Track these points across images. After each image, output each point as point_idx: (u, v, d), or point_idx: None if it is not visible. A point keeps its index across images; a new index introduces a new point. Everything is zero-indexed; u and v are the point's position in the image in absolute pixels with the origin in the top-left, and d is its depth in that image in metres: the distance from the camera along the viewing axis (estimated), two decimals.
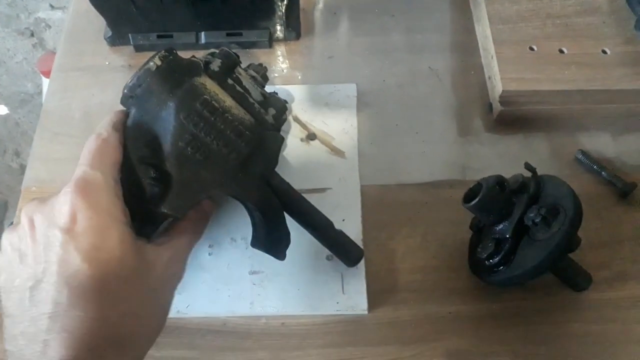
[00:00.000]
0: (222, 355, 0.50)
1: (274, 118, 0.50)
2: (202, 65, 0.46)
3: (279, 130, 0.52)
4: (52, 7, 1.11)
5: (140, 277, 0.37)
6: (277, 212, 0.48)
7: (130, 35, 0.65)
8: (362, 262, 0.52)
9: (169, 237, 0.42)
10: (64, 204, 0.35)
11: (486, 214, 0.48)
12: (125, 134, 0.43)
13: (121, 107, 0.44)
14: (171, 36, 0.65)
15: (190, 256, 0.53)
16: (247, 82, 0.50)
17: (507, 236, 0.47)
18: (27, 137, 1.45)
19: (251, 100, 0.49)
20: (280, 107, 0.52)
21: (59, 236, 0.34)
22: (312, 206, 0.50)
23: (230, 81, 0.48)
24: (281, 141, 0.49)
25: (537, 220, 0.45)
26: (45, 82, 1.06)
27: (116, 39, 0.66)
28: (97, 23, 0.67)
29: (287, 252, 0.49)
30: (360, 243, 0.53)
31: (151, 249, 0.39)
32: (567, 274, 0.49)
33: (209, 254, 0.53)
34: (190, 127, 0.43)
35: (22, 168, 0.58)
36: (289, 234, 0.49)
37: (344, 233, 0.51)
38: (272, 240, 0.47)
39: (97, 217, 0.35)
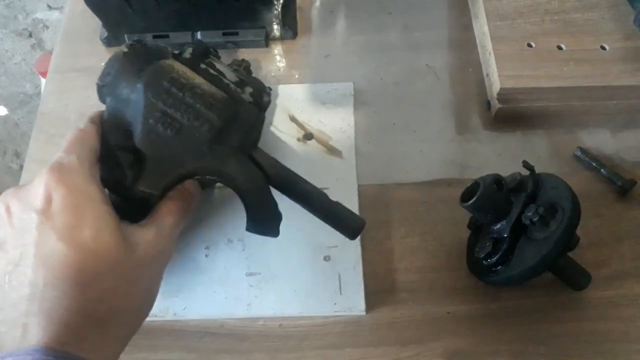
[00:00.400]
0: (219, 357, 0.50)
1: (252, 96, 0.49)
2: (171, 51, 0.46)
3: (260, 109, 0.51)
4: (49, 7, 1.11)
5: (121, 256, 0.36)
6: (260, 186, 0.46)
7: (126, 35, 0.65)
8: (360, 264, 0.52)
9: (152, 218, 0.41)
10: (38, 187, 0.35)
11: (484, 213, 0.47)
12: (103, 125, 0.44)
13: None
14: (167, 36, 0.65)
15: (186, 257, 0.53)
16: (221, 67, 0.49)
17: (505, 235, 0.46)
18: (26, 137, 1.45)
19: (225, 81, 0.48)
20: (258, 86, 0.51)
21: (34, 218, 0.34)
22: (303, 178, 0.48)
23: (203, 66, 0.48)
24: (257, 114, 0.48)
25: (534, 219, 0.44)
26: (44, 82, 1.06)
27: (112, 40, 0.66)
28: (93, 24, 0.66)
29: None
30: (357, 243, 0.53)
31: (133, 229, 0.39)
32: (566, 273, 0.48)
33: (206, 256, 0.53)
34: (159, 104, 0.43)
35: (22, 169, 0.58)
36: (277, 207, 0.47)
37: (340, 204, 0.48)
38: (262, 219, 0.46)
39: (72, 197, 0.35)
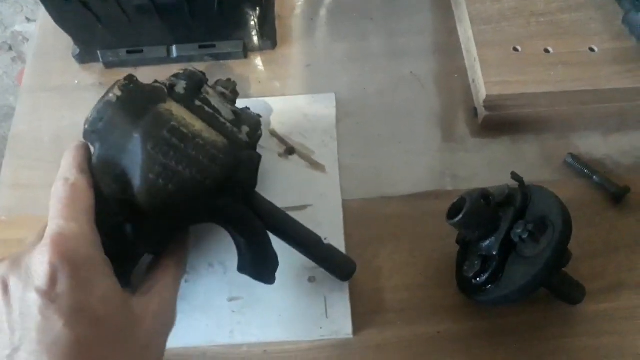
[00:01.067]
0: None
1: (249, 136, 0.48)
2: (165, 89, 0.44)
3: (254, 147, 0.50)
4: (28, 19, 1.08)
5: (128, 334, 0.34)
6: (261, 234, 0.45)
7: (99, 52, 0.63)
8: (346, 285, 0.50)
9: (153, 281, 0.39)
10: (40, 264, 0.32)
11: (471, 230, 0.46)
12: (91, 172, 0.41)
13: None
14: (141, 51, 0.63)
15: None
16: (216, 102, 0.47)
17: (494, 253, 0.44)
18: None
19: (222, 120, 0.47)
20: (254, 123, 0.50)
21: (37, 300, 0.31)
22: (298, 223, 0.48)
23: (197, 102, 0.46)
24: (258, 160, 0.47)
25: (524, 236, 0.43)
26: None
27: (85, 56, 0.64)
28: (65, 40, 0.64)
29: None
30: None
31: (137, 301, 0.36)
32: (559, 288, 0.47)
33: (185, 281, 0.51)
34: (159, 157, 0.41)
35: None
36: (276, 256, 0.46)
37: (333, 246, 0.49)
38: (258, 264, 0.45)
39: (77, 275, 0.33)
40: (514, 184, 0.48)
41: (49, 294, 0.32)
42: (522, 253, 0.44)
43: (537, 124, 0.59)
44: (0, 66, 1.21)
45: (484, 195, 0.45)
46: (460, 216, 0.43)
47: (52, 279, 0.32)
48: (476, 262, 0.45)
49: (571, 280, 0.47)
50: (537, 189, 0.47)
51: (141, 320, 0.36)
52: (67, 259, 0.33)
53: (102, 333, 0.33)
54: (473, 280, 0.46)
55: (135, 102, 0.41)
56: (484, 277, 0.45)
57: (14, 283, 0.33)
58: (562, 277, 0.47)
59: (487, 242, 0.45)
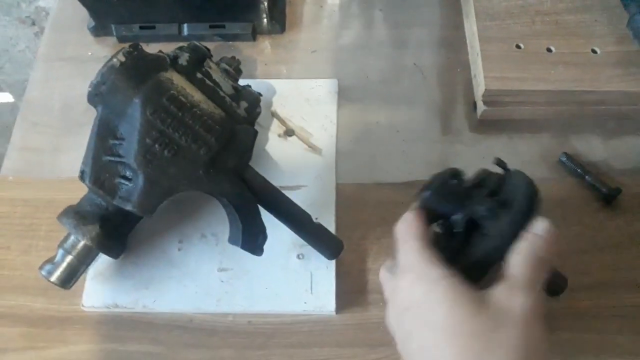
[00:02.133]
0: (187, 351, 0.50)
1: (246, 111, 0.50)
2: (168, 60, 0.45)
3: (252, 123, 0.52)
4: None
5: None
6: (251, 207, 0.47)
7: (113, 26, 0.65)
8: (333, 264, 0.51)
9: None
10: None
11: (440, 208, 0.43)
12: (96, 131, 0.43)
13: None
14: (154, 27, 0.65)
15: (158, 250, 0.53)
16: (217, 76, 0.49)
17: (457, 230, 0.42)
18: None
19: (222, 93, 0.48)
20: (253, 100, 0.51)
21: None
22: (289, 199, 0.49)
23: (199, 75, 0.47)
24: (254, 135, 0.48)
25: (483, 213, 0.40)
26: None
27: (99, 30, 0.66)
28: (82, 13, 0.66)
29: None
30: None
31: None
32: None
33: (178, 250, 0.53)
34: (157, 123, 0.43)
35: (5, 156, 0.58)
36: (264, 228, 0.48)
37: (322, 225, 0.50)
38: (248, 236, 0.47)
39: None
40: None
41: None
42: (485, 231, 0.41)
43: (534, 122, 0.59)
44: (23, 40, 1.25)
45: (454, 173, 0.43)
46: (429, 192, 0.42)
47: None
48: (442, 238, 0.43)
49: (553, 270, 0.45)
50: (515, 172, 0.45)
51: None
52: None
53: None
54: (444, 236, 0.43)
55: (137, 69, 0.43)
56: (446, 253, 0.41)
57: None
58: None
59: (453, 220, 0.43)
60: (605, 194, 0.54)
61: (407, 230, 0.40)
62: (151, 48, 0.64)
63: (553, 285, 0.45)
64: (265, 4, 0.63)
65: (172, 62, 0.46)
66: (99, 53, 0.66)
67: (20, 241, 0.55)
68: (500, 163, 0.45)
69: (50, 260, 0.48)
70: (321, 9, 0.69)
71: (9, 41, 1.24)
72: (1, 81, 1.41)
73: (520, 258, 0.36)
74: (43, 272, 0.47)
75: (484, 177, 0.44)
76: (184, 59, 0.47)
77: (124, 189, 0.43)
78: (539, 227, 0.37)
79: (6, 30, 1.21)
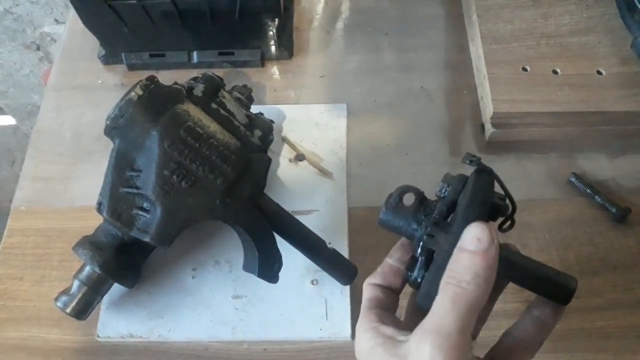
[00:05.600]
0: None
1: (260, 139, 0.50)
2: (184, 91, 0.46)
3: (265, 151, 0.52)
4: (57, 21, 1.12)
5: None
6: (267, 234, 0.47)
7: (123, 54, 0.66)
8: (347, 289, 0.52)
9: None
10: None
11: (397, 230, 0.38)
12: (113, 163, 0.44)
13: None
14: (163, 55, 0.66)
15: (172, 278, 0.53)
16: (231, 105, 0.50)
17: (416, 255, 0.36)
18: None
19: (236, 123, 0.49)
20: (266, 128, 0.52)
21: None
22: (303, 226, 0.49)
23: (214, 105, 0.48)
24: (268, 163, 0.49)
25: (427, 243, 0.34)
26: None
27: (109, 58, 0.67)
28: (92, 42, 0.67)
29: None
30: None
31: None
32: (543, 284, 0.36)
33: (192, 277, 0.53)
34: (174, 155, 0.43)
35: (17, 186, 0.59)
36: (280, 256, 0.48)
37: (336, 251, 0.50)
38: (264, 264, 0.47)
39: None
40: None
41: None
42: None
43: (542, 143, 0.60)
44: (27, 65, 1.26)
45: (401, 195, 0.38)
46: (380, 215, 0.38)
47: None
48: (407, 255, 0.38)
49: (556, 272, 0.37)
50: (472, 179, 0.36)
51: None
52: None
53: None
54: (409, 276, 0.36)
55: (155, 102, 0.43)
56: (412, 277, 0.36)
57: None
58: (543, 270, 0.37)
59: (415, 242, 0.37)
60: (615, 213, 0.55)
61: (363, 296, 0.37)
62: (161, 75, 0.65)
63: (559, 290, 0.37)
64: (274, 30, 0.64)
65: (188, 93, 0.46)
66: (109, 81, 0.67)
67: (33, 272, 0.55)
68: (472, 160, 0.37)
69: (66, 292, 0.48)
70: (328, 34, 0.70)
71: (14, 66, 1.25)
72: (5, 105, 1.42)
73: (440, 297, 0.30)
74: (59, 304, 0.47)
75: (440, 188, 0.38)
76: (199, 90, 0.47)
77: (142, 221, 0.44)
78: (469, 237, 0.30)
79: (11, 56, 1.22)
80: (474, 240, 0.30)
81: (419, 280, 0.35)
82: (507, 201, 0.37)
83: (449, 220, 0.36)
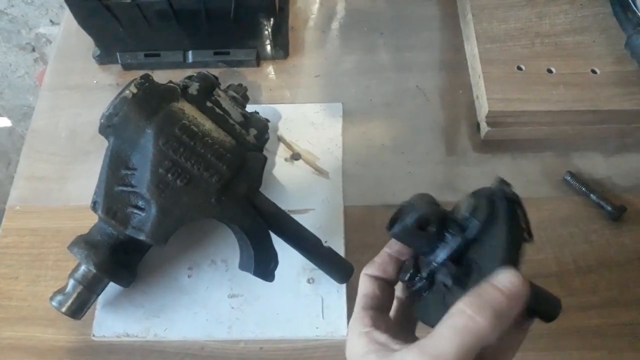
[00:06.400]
0: None
1: (256, 138, 0.50)
2: (179, 90, 0.46)
3: (261, 149, 0.52)
4: (52, 22, 1.12)
5: None
6: (263, 233, 0.47)
7: (118, 54, 0.65)
8: (343, 287, 0.52)
9: None
10: None
11: (411, 246, 0.37)
12: (108, 162, 0.43)
13: None
14: (158, 55, 0.66)
15: (168, 278, 0.53)
16: (226, 104, 0.50)
17: (423, 275, 0.35)
18: None
19: (231, 121, 0.49)
20: (262, 127, 0.52)
21: None
22: (299, 224, 0.49)
23: (209, 104, 0.48)
24: (263, 161, 0.49)
25: (447, 283, 0.33)
26: None
27: (104, 58, 0.67)
28: (87, 41, 0.67)
29: None
30: None
31: None
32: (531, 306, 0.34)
33: (188, 276, 0.53)
34: (169, 153, 0.43)
35: (12, 186, 0.59)
36: (276, 254, 0.48)
37: (332, 250, 0.50)
38: (260, 262, 0.47)
39: None
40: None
41: None
42: (445, 299, 0.34)
43: (537, 141, 0.60)
44: (22, 66, 1.26)
45: (420, 222, 0.34)
46: (392, 231, 0.35)
47: None
48: (409, 266, 0.36)
49: (543, 294, 0.36)
50: (503, 218, 0.33)
51: None
52: None
53: None
54: (408, 287, 0.37)
55: (149, 100, 0.43)
56: (414, 287, 0.36)
57: None
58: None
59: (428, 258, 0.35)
60: (611, 212, 0.55)
61: (358, 289, 0.36)
62: (156, 75, 0.64)
63: (547, 310, 0.38)
64: (269, 30, 0.64)
65: (183, 91, 0.46)
66: (104, 81, 0.67)
67: (28, 271, 0.54)
68: (501, 186, 0.35)
69: (61, 291, 0.47)
70: (323, 34, 0.70)
71: (9, 67, 1.25)
72: (0, 106, 1.42)
73: (449, 322, 0.28)
74: (54, 303, 0.47)
75: (467, 217, 0.34)
76: (194, 89, 0.47)
77: (137, 219, 0.44)
78: (504, 278, 0.29)
79: (6, 57, 1.22)
80: (507, 282, 0.29)
81: (423, 293, 0.35)
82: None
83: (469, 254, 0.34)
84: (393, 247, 0.38)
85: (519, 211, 0.34)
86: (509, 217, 0.33)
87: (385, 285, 0.36)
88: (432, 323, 0.32)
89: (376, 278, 0.36)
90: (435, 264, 0.34)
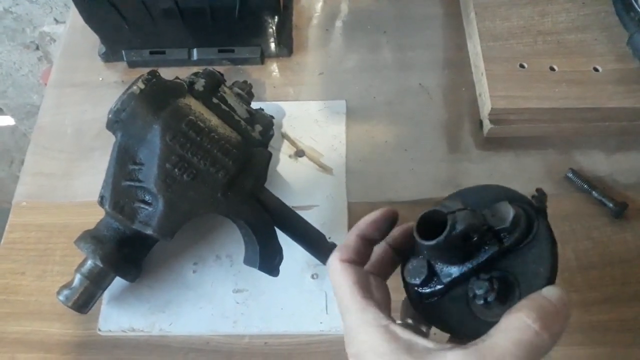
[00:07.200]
0: None
1: (261, 134, 0.51)
2: (186, 86, 0.47)
3: (266, 145, 0.53)
4: (56, 21, 1.12)
5: None
6: (268, 228, 0.48)
7: (123, 51, 0.66)
8: None
9: None
10: None
11: (439, 259, 0.35)
12: (116, 157, 0.44)
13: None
14: (164, 52, 0.66)
15: (174, 273, 0.53)
16: (232, 100, 0.50)
17: (443, 281, 0.34)
18: None
19: (237, 117, 0.49)
20: (267, 123, 0.52)
21: None
22: (303, 220, 0.50)
23: (215, 100, 0.49)
24: (269, 157, 0.49)
25: (489, 299, 0.31)
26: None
27: (110, 55, 0.67)
28: (92, 39, 0.67)
29: None
30: None
31: None
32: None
33: (193, 272, 0.53)
34: (176, 148, 0.43)
35: (18, 182, 0.59)
36: (281, 249, 0.49)
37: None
38: (265, 257, 0.47)
39: None
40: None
41: None
42: (473, 308, 0.33)
43: (540, 139, 0.61)
44: (26, 64, 1.26)
45: (465, 235, 0.32)
46: (431, 243, 0.32)
47: None
48: (423, 270, 0.34)
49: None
50: (544, 233, 0.33)
51: None
52: None
53: None
54: (416, 288, 0.35)
55: (156, 96, 0.44)
56: (427, 291, 0.34)
57: None
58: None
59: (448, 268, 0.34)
60: (613, 208, 0.55)
61: (338, 279, 0.34)
62: (161, 72, 0.65)
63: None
64: (273, 28, 0.64)
65: (189, 88, 0.47)
66: (109, 78, 0.67)
67: (35, 266, 0.55)
68: (539, 197, 0.34)
69: (68, 286, 0.48)
70: (327, 33, 0.70)
71: (13, 65, 1.25)
72: (4, 105, 1.42)
73: (513, 345, 0.27)
74: (61, 298, 0.47)
75: (507, 228, 0.32)
76: (200, 85, 0.48)
77: (144, 214, 0.44)
78: (556, 295, 0.29)
79: (10, 55, 1.22)
80: (560, 302, 0.29)
81: (435, 297, 0.34)
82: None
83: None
84: (362, 229, 0.35)
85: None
86: (551, 234, 0.33)
87: (361, 268, 0.34)
88: (449, 327, 0.33)
89: (353, 262, 0.34)
90: (472, 276, 0.33)
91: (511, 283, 0.32)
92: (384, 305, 0.34)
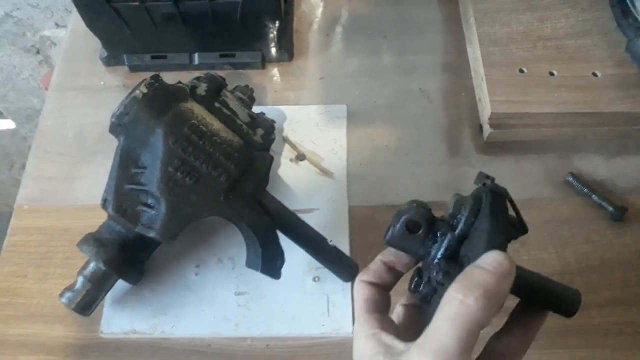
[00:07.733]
0: None
1: (262, 138, 0.51)
2: (188, 90, 0.47)
3: (267, 149, 0.53)
4: (57, 25, 1.13)
5: None
6: (269, 231, 0.48)
7: (125, 55, 0.66)
8: (349, 286, 0.52)
9: None
10: None
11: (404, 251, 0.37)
12: (118, 161, 0.44)
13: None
14: (165, 57, 0.66)
15: (176, 276, 0.54)
16: (234, 104, 0.50)
17: (424, 280, 0.35)
18: None
19: (239, 122, 0.50)
20: (268, 127, 0.53)
21: None
22: (305, 223, 0.50)
23: (217, 104, 0.49)
24: (270, 161, 0.50)
25: (439, 279, 0.32)
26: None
27: (111, 60, 0.68)
28: (94, 43, 0.68)
29: None
30: None
31: None
32: (550, 299, 0.38)
33: (195, 274, 0.53)
34: (179, 152, 0.44)
35: (20, 185, 0.59)
36: (283, 252, 0.49)
37: (337, 248, 0.51)
38: (267, 260, 0.47)
39: None
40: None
41: None
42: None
43: (539, 143, 0.61)
44: (27, 68, 1.26)
45: (409, 225, 0.35)
46: (386, 237, 0.36)
47: None
48: (414, 276, 0.36)
49: (563, 289, 0.38)
50: (488, 205, 0.34)
51: None
52: None
53: None
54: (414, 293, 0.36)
55: (159, 100, 0.44)
56: (420, 295, 0.35)
57: None
58: (552, 287, 0.38)
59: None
60: (612, 212, 0.56)
61: (355, 295, 0.37)
62: (163, 77, 0.66)
63: (566, 305, 0.39)
64: (274, 33, 0.65)
65: (191, 92, 0.47)
66: (110, 82, 0.67)
67: (37, 269, 0.55)
68: (481, 181, 0.37)
69: (70, 288, 0.48)
70: (327, 37, 0.71)
71: (13, 69, 1.26)
72: (4, 109, 1.42)
73: (443, 313, 0.28)
74: (63, 300, 0.48)
75: (452, 214, 0.35)
76: (202, 89, 0.48)
77: (146, 217, 0.44)
78: (489, 259, 0.29)
79: (11, 59, 1.23)
80: (493, 262, 0.29)
81: (429, 299, 0.34)
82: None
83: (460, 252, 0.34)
84: (387, 256, 0.38)
85: (507, 204, 0.35)
86: (491, 206, 0.34)
87: (382, 290, 0.37)
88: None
89: (372, 284, 0.37)
90: (431, 265, 0.34)
91: (462, 263, 0.32)
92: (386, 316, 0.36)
